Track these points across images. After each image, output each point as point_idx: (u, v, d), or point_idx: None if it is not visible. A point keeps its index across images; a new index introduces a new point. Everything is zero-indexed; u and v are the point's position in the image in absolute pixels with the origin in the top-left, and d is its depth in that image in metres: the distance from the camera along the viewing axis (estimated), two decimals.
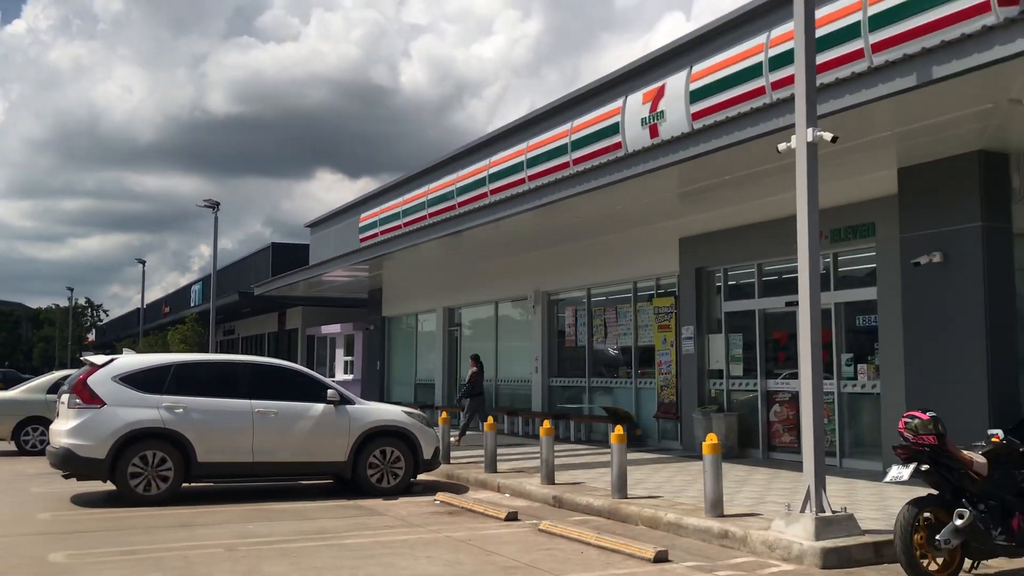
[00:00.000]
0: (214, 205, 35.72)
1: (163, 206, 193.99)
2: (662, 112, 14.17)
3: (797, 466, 8.43)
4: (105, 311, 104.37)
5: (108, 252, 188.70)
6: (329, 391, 11.96)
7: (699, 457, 9.29)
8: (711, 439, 9.20)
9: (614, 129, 15.30)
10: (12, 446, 17.74)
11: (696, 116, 13.40)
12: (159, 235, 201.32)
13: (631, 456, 14.67)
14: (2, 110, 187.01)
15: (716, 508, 9.07)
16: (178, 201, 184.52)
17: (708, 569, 7.55)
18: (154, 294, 67.84)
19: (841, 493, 10.37)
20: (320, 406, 11.84)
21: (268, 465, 11.57)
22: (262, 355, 43.47)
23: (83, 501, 11.17)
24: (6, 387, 21.83)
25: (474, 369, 18.29)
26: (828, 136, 8.47)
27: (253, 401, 11.54)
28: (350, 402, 12.16)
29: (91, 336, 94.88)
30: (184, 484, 11.27)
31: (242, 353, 47.72)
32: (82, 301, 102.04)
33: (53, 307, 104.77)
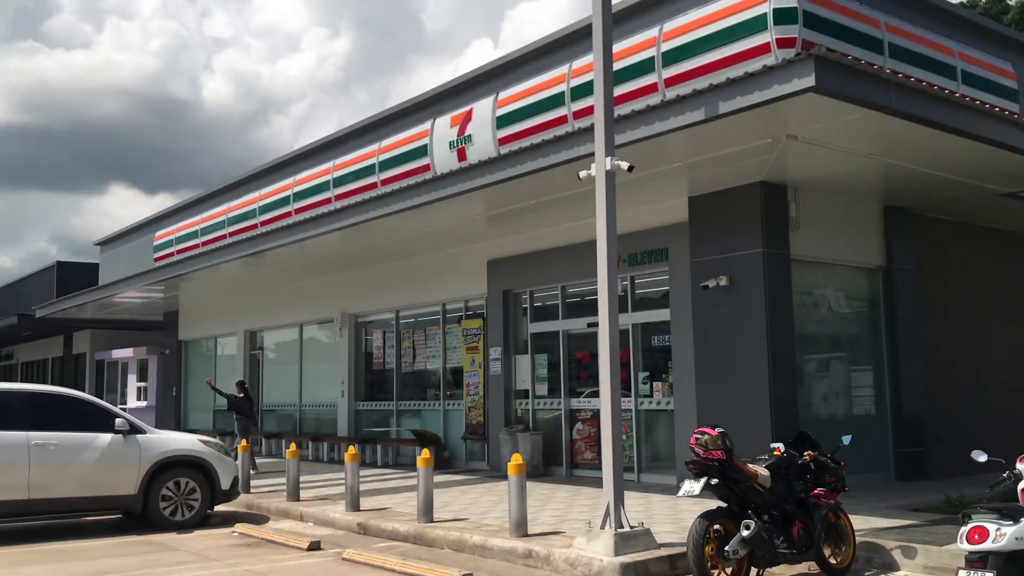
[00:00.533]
0: None
1: None
2: (470, 136, 14.32)
3: (599, 482, 8.68)
4: None
5: None
6: (117, 420, 11.20)
7: (506, 477, 9.37)
8: (516, 459, 9.30)
9: (423, 151, 15.32)
10: None
11: (503, 141, 13.63)
12: None
13: (439, 478, 14.66)
14: None
15: (520, 528, 9.17)
16: None
17: None
18: None
19: (639, 508, 10.76)
20: (107, 436, 11.07)
21: (47, 502, 10.68)
22: (45, 382, 40.29)
23: None
24: None
25: (240, 395, 17.69)
26: (625, 165, 8.82)
27: (30, 432, 10.62)
28: (140, 431, 11.44)
29: None
30: None
31: (22, 380, 44.02)
32: None
33: None
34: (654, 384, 13.59)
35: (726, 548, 7.27)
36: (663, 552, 8.17)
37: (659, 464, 13.56)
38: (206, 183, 27.38)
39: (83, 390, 35.05)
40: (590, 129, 9.66)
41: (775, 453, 8.12)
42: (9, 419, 10.63)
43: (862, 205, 13.42)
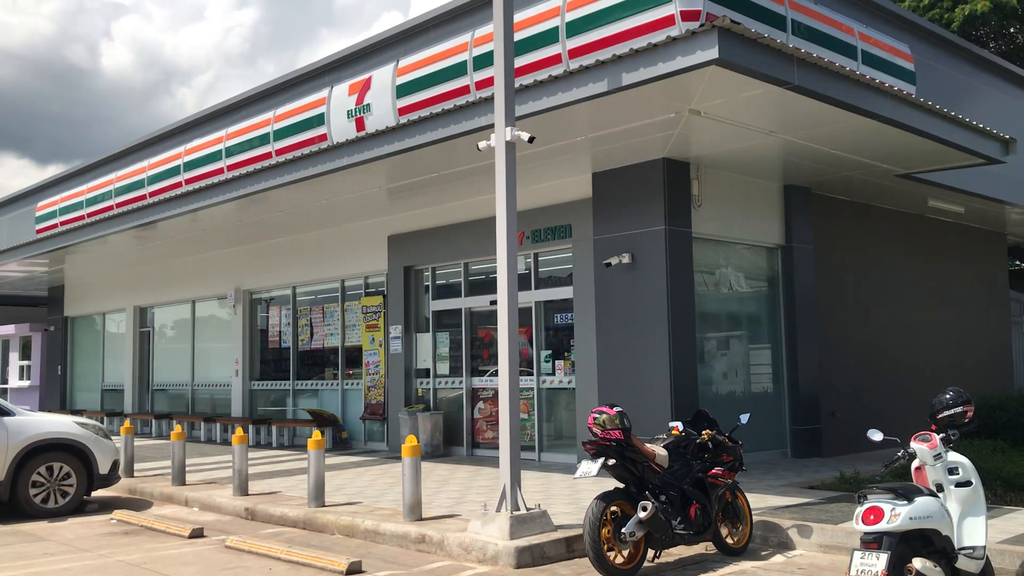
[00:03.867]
0: None
1: None
2: (368, 105, 13.79)
3: (499, 462, 8.40)
4: None
5: None
6: None
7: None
8: (410, 441, 8.95)
9: (319, 120, 14.69)
10: None
11: (403, 111, 13.14)
12: None
13: (336, 460, 14.22)
14: None
15: (415, 512, 8.84)
16: None
17: None
18: None
19: (538, 488, 10.56)
20: None
21: None
22: None
23: None
24: None
25: None
26: (525, 136, 8.51)
27: None
28: (8, 413, 10.68)
29: None
30: None
31: None
32: None
33: None
34: (556, 362, 13.40)
35: (623, 530, 7.10)
36: (560, 535, 7.96)
37: (560, 443, 13.40)
38: (104, 153, 26.13)
39: None
40: (492, 99, 9.32)
41: (674, 432, 7.98)
42: None
43: (762, 184, 13.45)
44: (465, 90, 12.27)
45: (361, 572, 7.42)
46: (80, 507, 10.97)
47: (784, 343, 13.64)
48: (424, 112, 11.73)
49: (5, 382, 29.63)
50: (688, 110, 9.87)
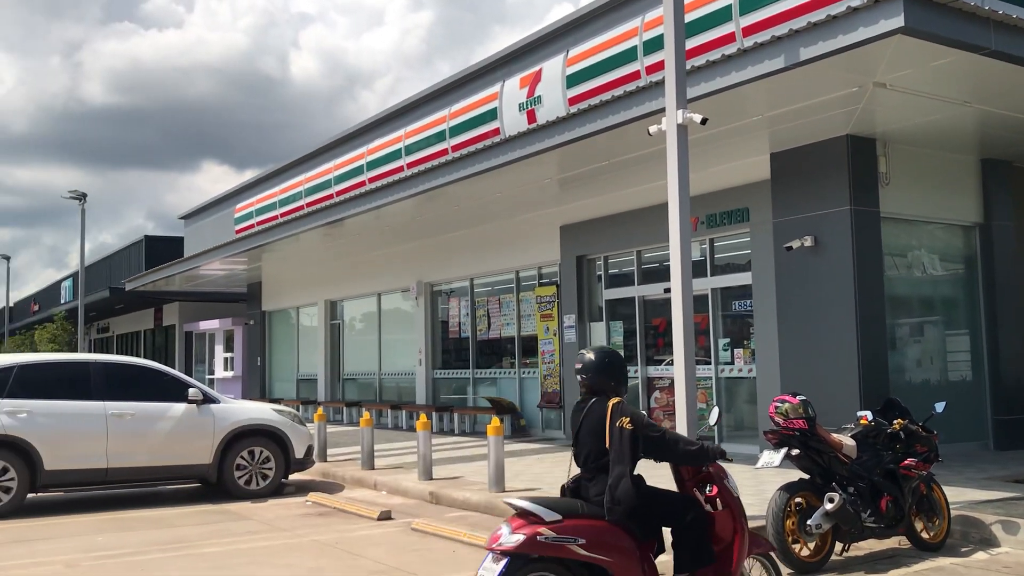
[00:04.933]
0: (80, 196, 33.85)
1: (37, 200, 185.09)
2: (539, 97, 13.93)
3: None
4: None
5: None
6: (191, 390, 11.27)
7: None
8: None
9: (492, 114, 14.99)
10: None
11: (573, 101, 13.20)
12: (33, 230, 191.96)
13: (515, 447, 14.47)
14: None
15: None
16: (53, 194, 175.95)
17: None
18: (26, 292, 64.21)
19: None
20: (181, 406, 11.15)
21: (125, 471, 10.81)
22: (138, 353, 41.62)
23: None
24: None
25: None
26: (698, 118, 8.33)
27: (107, 403, 10.76)
28: (214, 401, 11.50)
29: None
30: (31, 494, 10.43)
31: (117, 352, 45.60)
32: None
33: None
34: (735, 351, 13.07)
35: (808, 522, 6.85)
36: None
37: (740, 433, 13.08)
38: (288, 160, 27.85)
39: (173, 361, 36.12)
40: (662, 83, 9.17)
41: (862, 422, 7.62)
42: (87, 390, 10.78)
43: (957, 158, 12.58)
44: (635, 76, 12.17)
45: None
46: (279, 489, 11.68)
47: (984, 328, 12.74)
48: (594, 100, 11.70)
49: (212, 373, 31.96)
50: (872, 83, 9.37)
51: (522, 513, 4.89)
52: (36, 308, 52.68)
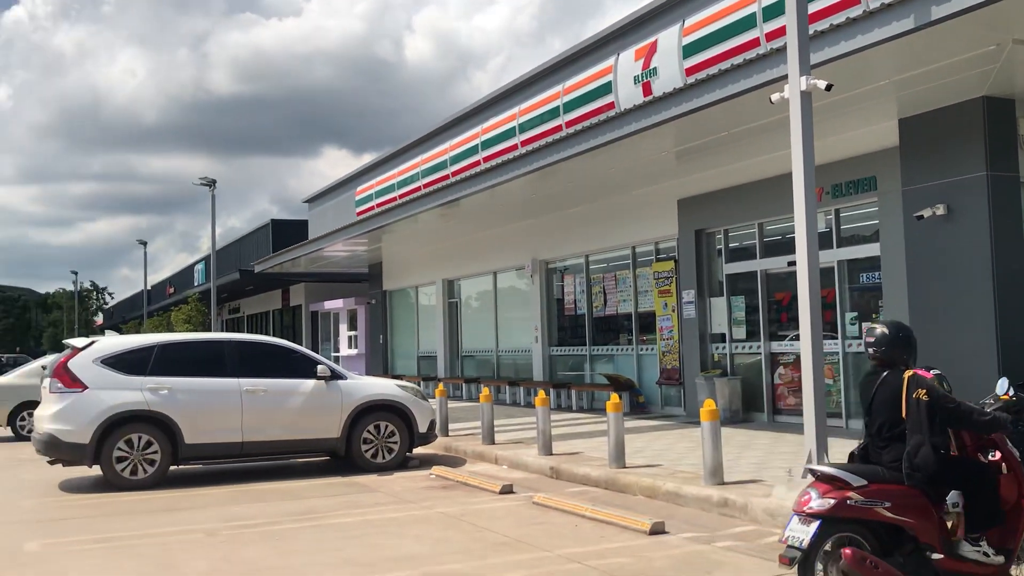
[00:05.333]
0: (211, 183, 35.33)
1: (170, 187, 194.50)
2: (655, 69, 13.71)
3: (802, 429, 8.12)
4: (110, 293, 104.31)
5: (116, 235, 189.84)
6: (319, 367, 11.66)
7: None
8: (708, 405, 8.87)
9: (606, 88, 14.85)
10: (8, 432, 17.57)
11: (690, 71, 12.94)
12: (167, 216, 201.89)
13: (633, 424, 14.41)
14: (6, 96, 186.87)
15: (715, 476, 8.76)
16: (184, 181, 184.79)
17: (707, 540, 7.24)
18: (161, 275, 67.76)
19: (846, 456, 10.04)
20: (311, 382, 11.54)
21: (258, 444, 11.30)
22: (267, 333, 43.26)
23: (70, 487, 10.93)
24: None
25: None
26: (822, 84, 8.04)
27: (241, 379, 11.24)
28: (341, 377, 11.87)
29: (99, 319, 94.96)
30: (172, 467, 11.02)
31: (248, 331, 47.54)
32: (87, 284, 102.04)
33: (60, 291, 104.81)
34: (863, 325, 12.63)
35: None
36: None
37: None
38: (404, 142, 28.40)
39: (300, 340, 37.39)
40: (784, 49, 8.89)
41: (1002, 398, 7.24)
42: (223, 367, 11.29)
43: None
44: (754, 43, 11.84)
45: (664, 532, 7.49)
46: (403, 462, 11.98)
47: None
48: (712, 70, 11.45)
49: (336, 350, 32.98)
50: (1011, 40, 8.84)
51: (827, 478, 5.24)
52: (171, 291, 55.43)
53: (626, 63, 14.43)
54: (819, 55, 9.17)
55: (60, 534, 8.14)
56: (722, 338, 15.17)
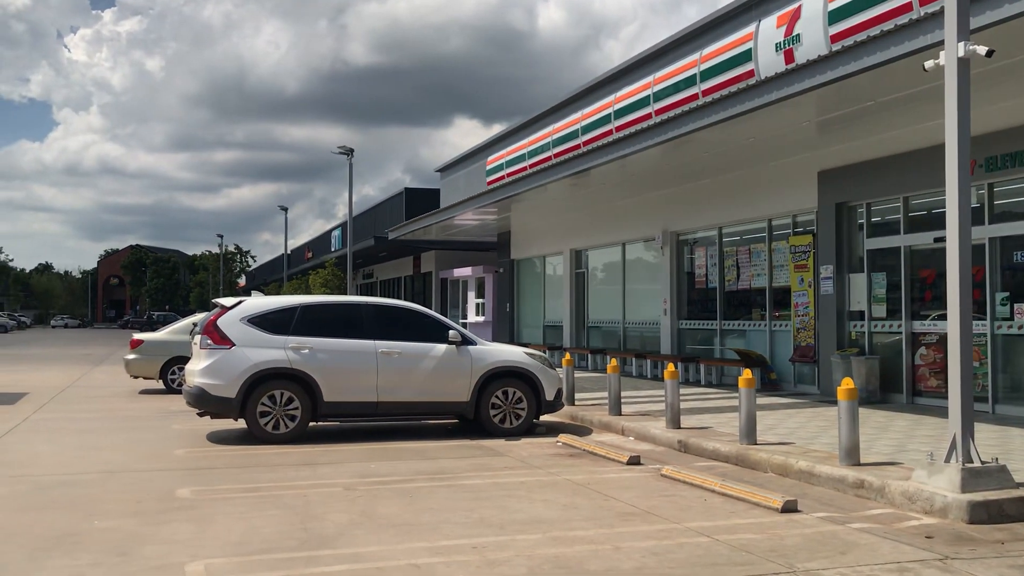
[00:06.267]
0: (348, 151, 36.32)
1: (309, 156, 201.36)
2: (798, 35, 13.25)
3: (944, 412, 7.80)
4: (253, 257, 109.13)
5: (258, 201, 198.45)
6: (451, 332, 11.91)
7: (836, 402, 8.72)
8: (846, 383, 8.60)
9: (746, 56, 14.45)
10: (160, 384, 18.69)
11: (835, 38, 12.45)
12: (306, 184, 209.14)
13: (764, 401, 14.12)
14: (159, 67, 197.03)
15: (851, 456, 8.51)
16: (323, 150, 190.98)
17: (841, 520, 7.06)
18: (301, 240, 70.52)
19: (993, 442, 9.60)
20: (442, 347, 11.81)
21: (392, 405, 11.66)
22: (398, 298, 44.40)
23: (217, 438, 11.57)
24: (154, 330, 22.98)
25: None
26: (982, 50, 7.59)
27: (377, 342, 11.60)
28: (471, 343, 12.08)
29: (241, 281, 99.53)
30: (311, 423, 11.50)
31: (380, 296, 48.92)
32: (232, 248, 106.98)
33: (207, 253, 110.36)
34: (1015, 306, 11.97)
35: None
36: (1021, 492, 7.18)
37: (1019, 395, 12.01)
38: (536, 111, 28.42)
39: (429, 306, 38.21)
40: (939, 14, 8.44)
41: None
42: (360, 329, 11.68)
43: None
44: (906, 7, 11.28)
45: (796, 511, 7.34)
46: (530, 429, 12.13)
47: None
48: (860, 36, 10.96)
49: (464, 317, 33.56)
50: None
51: None
52: (310, 255, 57.51)
53: (767, 30, 13.99)
54: (979, 19, 8.65)
55: (209, 482, 8.64)
56: (860, 316, 14.65)
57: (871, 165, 14.05)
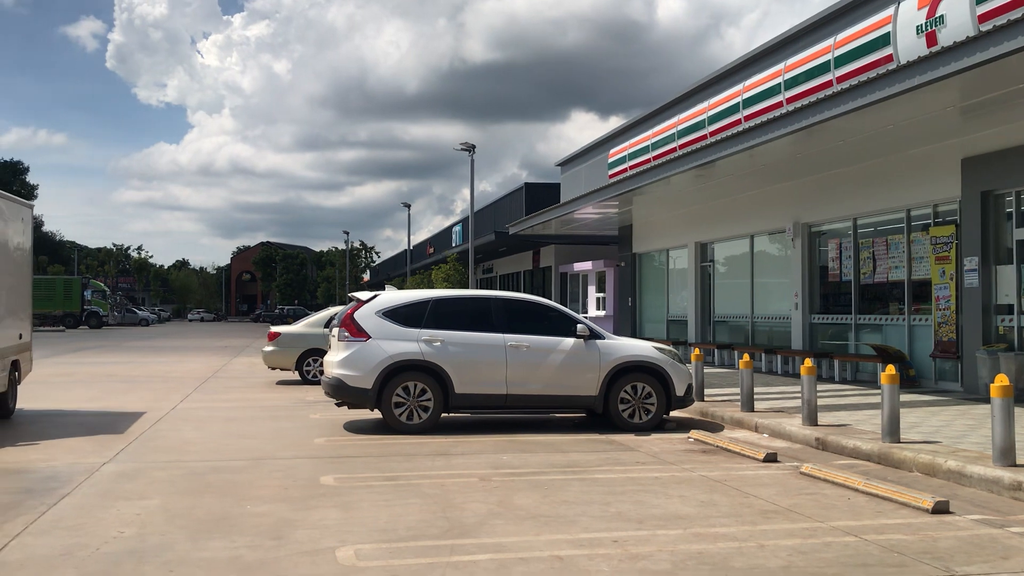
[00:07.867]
0: (470, 148, 36.75)
1: (428, 153, 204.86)
2: (941, 17, 12.65)
3: None
4: (377, 253, 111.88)
5: (380, 198, 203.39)
6: (579, 326, 11.91)
7: (983, 400, 8.32)
8: (1001, 380, 8.18)
9: (884, 40, 13.89)
10: (296, 375, 19.38)
11: (983, 18, 11.83)
12: (425, 181, 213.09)
13: (904, 398, 13.56)
14: (286, 70, 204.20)
15: (1007, 456, 8.09)
16: (441, 148, 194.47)
17: (999, 524, 6.72)
18: (421, 236, 71.92)
19: None
20: (570, 340, 11.82)
21: (520, 397, 11.75)
22: (518, 291, 44.74)
23: (353, 428, 11.91)
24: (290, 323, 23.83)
25: None
26: None
27: (506, 335, 11.71)
28: (600, 337, 12.05)
29: (365, 276, 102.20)
30: (443, 414, 11.70)
31: (499, 290, 49.37)
32: (357, 244, 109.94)
33: (333, 249, 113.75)
34: None
35: None
36: None
37: None
38: (657, 102, 28.01)
39: (550, 300, 38.38)
40: None
41: None
42: (489, 323, 11.83)
43: None
44: None
45: (948, 512, 7.03)
46: (660, 424, 12.01)
47: None
48: (1014, 14, 10.39)
49: (584, 311, 33.51)
50: None
51: None
52: (431, 250, 58.55)
53: (907, 12, 13.41)
54: None
55: (350, 470, 8.90)
56: (1008, 310, 13.90)
57: (1021, 151, 13.29)
